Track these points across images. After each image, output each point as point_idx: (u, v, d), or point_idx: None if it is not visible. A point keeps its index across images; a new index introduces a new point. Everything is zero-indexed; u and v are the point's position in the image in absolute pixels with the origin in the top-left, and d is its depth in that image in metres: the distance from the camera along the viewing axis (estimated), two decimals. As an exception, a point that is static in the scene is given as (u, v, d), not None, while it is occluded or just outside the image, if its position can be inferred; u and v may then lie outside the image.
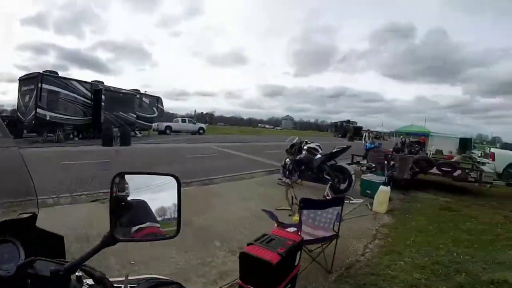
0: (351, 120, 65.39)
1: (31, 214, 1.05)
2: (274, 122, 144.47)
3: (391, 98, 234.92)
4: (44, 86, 18.06)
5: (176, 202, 0.89)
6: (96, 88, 21.46)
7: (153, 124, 28.82)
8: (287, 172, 8.70)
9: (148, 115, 26.57)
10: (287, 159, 8.86)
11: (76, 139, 19.36)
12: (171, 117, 44.63)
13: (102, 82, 22.96)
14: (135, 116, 23.66)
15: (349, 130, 55.76)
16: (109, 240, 0.82)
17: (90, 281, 0.83)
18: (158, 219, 0.86)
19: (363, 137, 22.34)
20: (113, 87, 23.30)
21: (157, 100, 28.54)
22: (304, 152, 8.69)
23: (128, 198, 0.85)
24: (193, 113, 73.85)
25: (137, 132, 25.00)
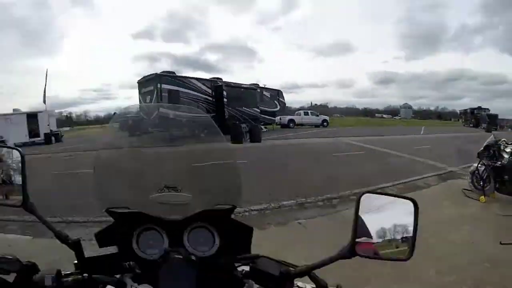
0: (482, 107, 55.28)
1: (230, 206, 1.10)
2: (391, 111, 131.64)
3: None
4: (164, 86, 18.81)
5: (412, 225, 0.87)
6: (216, 85, 21.75)
7: (276, 118, 28.48)
8: (481, 182, 6.81)
9: (271, 109, 26.40)
10: (479, 165, 6.98)
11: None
12: (287, 110, 45.28)
13: (221, 79, 23.23)
14: (258, 110, 23.59)
15: (482, 118, 47.12)
16: (347, 253, 0.84)
17: (306, 286, 0.95)
18: (392, 240, 0.87)
19: None
20: (233, 82, 23.51)
21: (277, 93, 28.30)
22: (507, 155, 6.70)
23: (368, 216, 0.87)
24: (309, 105, 72.91)
25: (262, 127, 24.97)
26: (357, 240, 0.85)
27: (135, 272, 0.95)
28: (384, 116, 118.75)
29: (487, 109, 54.76)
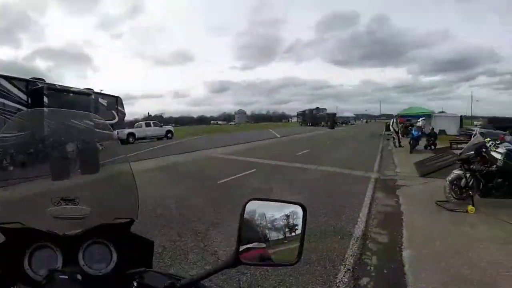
0: (320, 107, 62.48)
1: (128, 220, 1.06)
2: (226, 117, 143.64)
3: (338, 83, 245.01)
4: None
5: (300, 229, 0.89)
6: (34, 88, 15.01)
7: (114, 131, 22.35)
8: (468, 190, 5.55)
9: (108, 121, 20.43)
10: (459, 171, 5.83)
11: (12, 168, 12.93)
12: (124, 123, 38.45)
13: (43, 80, 16.38)
14: (93, 123, 17.48)
15: (321, 117, 53.84)
16: (231, 262, 0.84)
17: None
18: (281, 245, 0.88)
19: (391, 123, 19.80)
20: (58, 85, 16.71)
21: (116, 100, 21.82)
22: (500, 156, 5.52)
23: (255, 223, 0.87)
24: (146, 116, 67.59)
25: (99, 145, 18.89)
26: (243, 247, 0.84)
27: None
28: (219, 122, 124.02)
29: (325, 109, 61.69)
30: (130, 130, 26.72)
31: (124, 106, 21.13)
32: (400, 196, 6.69)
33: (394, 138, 18.33)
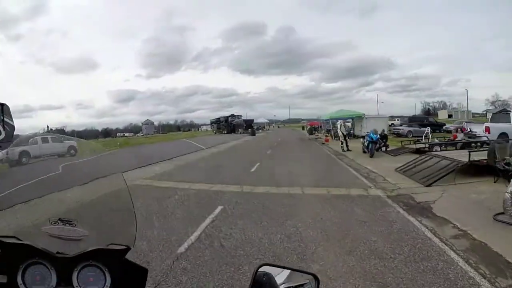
0: (235, 114, 60.47)
1: (124, 247, 1.06)
2: (132, 129, 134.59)
3: (244, 91, 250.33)
4: None
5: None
6: None
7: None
8: None
9: (-14, 138, 14.33)
10: None
11: None
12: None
13: None
14: (-38, 142, 11.78)
15: (238, 124, 52.04)
16: None
17: None
18: None
19: (338, 127, 19.63)
20: None
21: (1, 109, 15.83)
22: None
23: None
24: (45, 130, 56.75)
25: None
26: None
27: None
28: (126, 134, 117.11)
29: (240, 115, 59.77)
30: (23, 147, 20.05)
31: (22, 119, 15.31)
32: (445, 217, 5.06)
33: (342, 142, 17.54)
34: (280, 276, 0.93)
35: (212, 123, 73.90)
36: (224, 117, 60.61)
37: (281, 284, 0.92)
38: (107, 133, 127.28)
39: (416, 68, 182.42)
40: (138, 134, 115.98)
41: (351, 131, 24.99)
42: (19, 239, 1.00)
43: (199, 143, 28.71)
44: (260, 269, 0.90)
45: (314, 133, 35.65)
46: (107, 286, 1.00)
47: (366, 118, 25.59)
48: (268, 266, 0.91)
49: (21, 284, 0.96)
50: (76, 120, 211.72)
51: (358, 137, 23.80)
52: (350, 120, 27.21)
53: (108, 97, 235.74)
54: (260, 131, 56.83)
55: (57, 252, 1.01)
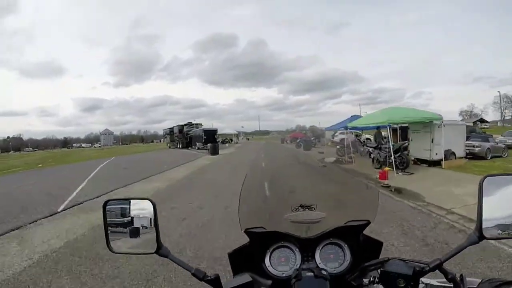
0: (193, 122, 44.87)
1: (365, 222, 1.11)
2: (94, 139, 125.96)
3: (213, 102, 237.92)
4: None
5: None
6: None
7: None
8: None
9: None
10: None
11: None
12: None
13: None
14: None
15: (196, 137, 37.22)
16: (476, 239, 0.85)
17: (430, 281, 0.93)
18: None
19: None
20: None
21: None
22: None
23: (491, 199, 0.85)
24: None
25: None
26: (484, 224, 0.84)
27: None
28: (83, 145, 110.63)
29: (200, 124, 43.81)
30: None
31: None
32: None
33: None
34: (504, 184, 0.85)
35: (165, 134, 57.84)
36: (179, 126, 45.11)
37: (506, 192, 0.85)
38: (65, 143, 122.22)
39: (382, 81, 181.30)
40: (95, 145, 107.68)
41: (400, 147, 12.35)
42: (265, 229, 1.10)
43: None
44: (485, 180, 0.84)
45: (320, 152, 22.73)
46: (346, 261, 1.06)
47: (443, 125, 12.41)
48: (492, 177, 0.84)
49: (269, 265, 1.06)
50: (38, 127, 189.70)
51: (420, 160, 13.14)
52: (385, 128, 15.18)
53: (73, 104, 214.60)
54: (227, 144, 41.98)
55: (300, 236, 1.10)
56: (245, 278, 0.93)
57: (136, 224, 1.01)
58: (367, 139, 22.92)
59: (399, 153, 11.74)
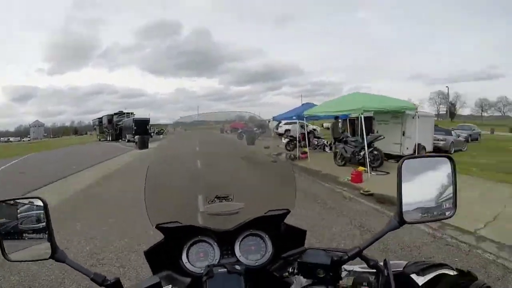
0: (125, 111, 39.20)
1: (284, 211, 1.09)
2: (23, 132, 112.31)
3: (153, 92, 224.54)
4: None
5: (451, 181, 0.86)
6: None
7: None
8: None
9: None
10: None
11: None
12: None
13: None
14: None
15: (127, 127, 31.95)
16: (396, 224, 0.84)
17: (353, 267, 0.90)
18: (439, 197, 0.86)
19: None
20: None
21: None
22: None
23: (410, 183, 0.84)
24: None
25: None
26: (404, 208, 0.83)
27: None
28: (11, 139, 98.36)
29: (131, 113, 38.24)
30: None
31: None
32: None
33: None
34: (421, 168, 0.88)
35: (94, 125, 50.89)
36: (108, 116, 39.08)
37: (422, 173, 0.87)
38: None
39: (322, 75, 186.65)
40: (24, 139, 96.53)
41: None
42: (180, 223, 1.03)
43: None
44: (404, 163, 0.84)
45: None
46: (268, 252, 1.03)
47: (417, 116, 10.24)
48: (409, 159, 0.87)
49: (186, 262, 1.00)
50: None
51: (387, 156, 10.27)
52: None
53: (3, 93, 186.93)
54: (161, 136, 36.85)
55: (218, 228, 1.04)
56: (152, 279, 0.85)
57: (27, 226, 0.90)
58: (314, 129, 20.29)
59: (371, 148, 9.22)
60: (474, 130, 23.94)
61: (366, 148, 8.84)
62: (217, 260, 1.01)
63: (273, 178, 1.38)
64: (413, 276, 0.83)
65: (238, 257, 1.01)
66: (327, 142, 16.28)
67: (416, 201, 0.84)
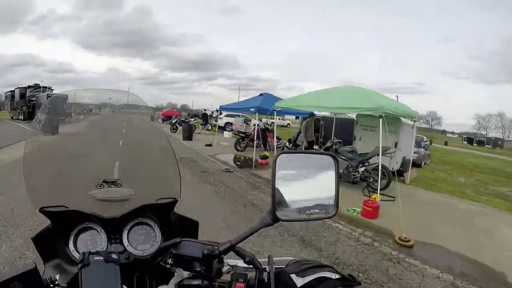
0: (40, 84, 32.31)
1: (172, 200, 1.06)
2: None
3: (83, 69, 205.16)
4: None
5: (334, 180, 0.84)
6: None
7: None
8: None
9: None
10: None
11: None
12: None
13: None
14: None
15: (39, 104, 25.82)
16: (269, 221, 0.81)
17: (237, 262, 0.85)
18: (315, 199, 0.84)
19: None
20: None
21: None
22: None
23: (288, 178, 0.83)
24: None
25: None
26: (278, 206, 0.81)
27: (59, 286, 0.82)
28: None
29: (50, 87, 31.63)
30: None
31: None
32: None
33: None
34: (299, 162, 0.87)
35: (6, 99, 42.24)
36: (21, 89, 31.88)
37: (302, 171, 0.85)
38: None
39: (258, 70, 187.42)
40: None
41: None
42: (66, 207, 0.98)
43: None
44: (278, 158, 0.81)
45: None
46: (157, 242, 1.00)
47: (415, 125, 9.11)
48: (285, 154, 0.85)
49: (73, 250, 0.96)
50: None
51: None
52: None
53: None
54: (82, 116, 30.12)
55: (105, 215, 1.00)
56: (29, 265, 0.76)
57: None
58: (269, 125, 16.37)
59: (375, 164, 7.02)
60: (426, 141, 24.01)
61: (380, 162, 6.62)
62: (104, 249, 0.95)
63: (161, 165, 1.34)
64: (293, 276, 0.80)
65: (125, 246, 0.97)
66: (288, 144, 14.03)
67: (294, 199, 0.82)
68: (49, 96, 25.01)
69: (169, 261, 0.83)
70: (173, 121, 21.96)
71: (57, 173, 1.22)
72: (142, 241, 0.99)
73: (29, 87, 31.64)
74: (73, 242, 0.95)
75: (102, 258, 0.81)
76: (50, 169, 1.21)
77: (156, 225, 1.02)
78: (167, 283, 0.85)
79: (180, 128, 19.90)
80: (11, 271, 0.74)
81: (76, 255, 0.92)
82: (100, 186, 1.06)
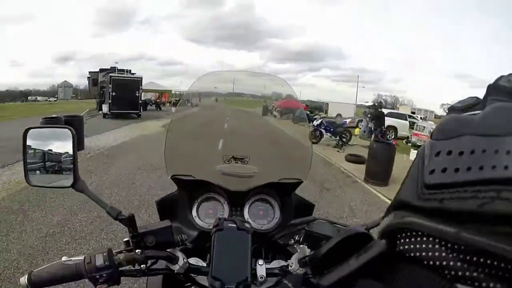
0: (118, 68, 25.45)
1: (296, 181, 1.07)
2: (51, 92, 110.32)
3: (190, 62, 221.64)
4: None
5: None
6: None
7: None
8: None
9: None
10: None
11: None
12: None
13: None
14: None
15: (105, 91, 18.66)
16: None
17: None
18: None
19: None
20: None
21: None
22: None
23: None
24: None
25: None
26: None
27: (187, 246, 0.88)
28: (39, 98, 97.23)
29: (129, 70, 24.61)
30: None
31: None
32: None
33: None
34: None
35: (88, 83, 33.53)
36: (93, 73, 28.27)
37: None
38: (25, 95, 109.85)
39: (363, 61, 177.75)
40: (50, 99, 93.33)
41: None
42: (194, 177, 1.02)
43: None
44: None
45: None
46: (275, 218, 1.03)
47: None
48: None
49: (195, 216, 1.01)
50: (8, 79, 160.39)
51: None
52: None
53: (46, 54, 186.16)
54: (174, 109, 20.52)
55: (230, 188, 1.03)
56: (165, 223, 0.79)
57: (55, 154, 0.85)
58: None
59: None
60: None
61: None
62: (225, 219, 0.88)
63: (290, 147, 1.39)
64: None
65: (246, 219, 1.00)
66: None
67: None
68: (114, 79, 19.56)
69: (297, 237, 0.84)
70: (317, 123, 12.67)
71: (191, 148, 1.28)
72: (261, 216, 1.03)
73: (101, 70, 27.04)
74: (196, 209, 1.02)
75: (235, 225, 0.82)
76: (185, 143, 1.27)
77: (276, 203, 1.05)
78: (281, 258, 0.86)
79: (326, 137, 12.38)
80: (148, 225, 0.78)
81: (198, 222, 1.00)
82: (228, 161, 1.09)
